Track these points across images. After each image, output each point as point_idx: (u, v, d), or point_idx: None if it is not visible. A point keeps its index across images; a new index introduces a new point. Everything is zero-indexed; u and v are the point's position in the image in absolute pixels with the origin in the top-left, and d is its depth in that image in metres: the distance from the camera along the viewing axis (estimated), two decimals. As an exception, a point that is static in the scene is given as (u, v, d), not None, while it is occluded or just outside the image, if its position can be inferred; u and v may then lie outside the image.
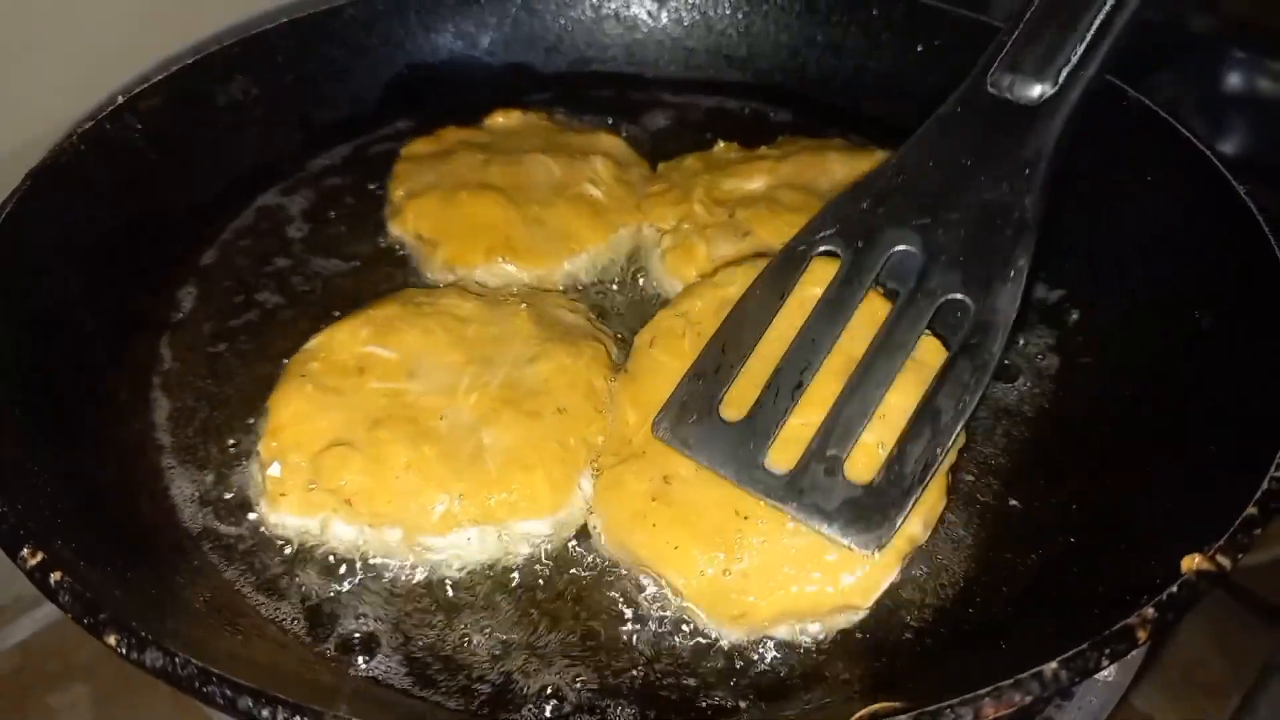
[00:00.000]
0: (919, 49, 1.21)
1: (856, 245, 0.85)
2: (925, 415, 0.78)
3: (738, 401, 0.82)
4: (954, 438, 0.77)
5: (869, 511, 0.75)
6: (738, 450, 0.80)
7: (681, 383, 0.84)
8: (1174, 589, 0.63)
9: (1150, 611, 0.62)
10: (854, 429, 0.78)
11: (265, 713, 0.59)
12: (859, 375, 0.80)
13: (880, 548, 0.75)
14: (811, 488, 0.77)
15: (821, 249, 0.87)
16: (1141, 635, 0.61)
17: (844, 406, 0.79)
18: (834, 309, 0.83)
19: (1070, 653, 0.60)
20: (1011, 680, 0.59)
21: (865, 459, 0.78)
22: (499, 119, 1.21)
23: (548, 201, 1.08)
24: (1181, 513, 0.78)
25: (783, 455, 0.79)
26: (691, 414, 0.82)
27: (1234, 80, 1.45)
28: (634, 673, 0.77)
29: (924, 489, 0.76)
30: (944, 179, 0.87)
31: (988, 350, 0.78)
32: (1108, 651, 0.60)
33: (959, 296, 0.81)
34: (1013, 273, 0.81)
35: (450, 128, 1.19)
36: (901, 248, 0.84)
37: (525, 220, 1.06)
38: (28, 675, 1.50)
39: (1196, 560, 0.65)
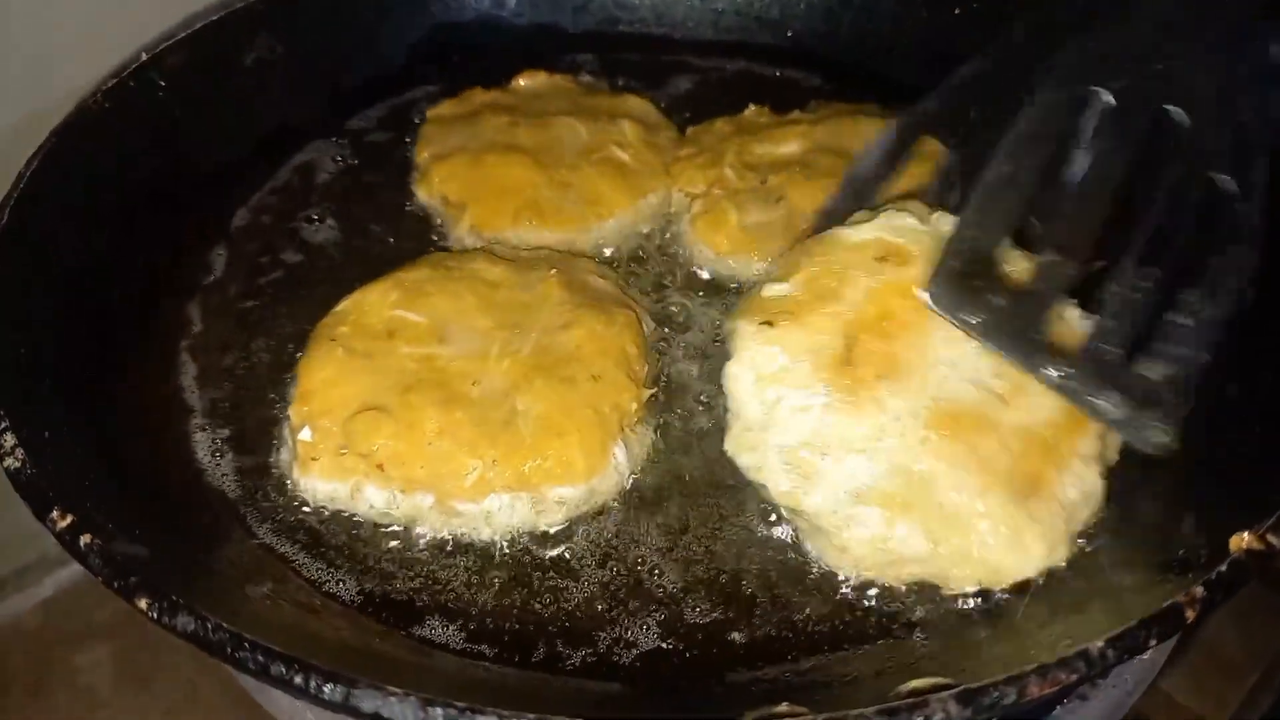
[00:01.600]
0: (955, 11, 1.19)
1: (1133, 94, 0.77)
2: (1203, 309, 0.72)
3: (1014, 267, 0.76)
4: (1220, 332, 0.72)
5: (1157, 407, 0.69)
6: (1024, 328, 0.72)
7: (951, 244, 0.77)
8: (1223, 568, 0.62)
9: (1199, 590, 0.61)
10: (1141, 313, 0.72)
11: (298, 679, 0.58)
12: (1145, 249, 0.74)
13: (1171, 443, 0.70)
14: (1099, 374, 0.70)
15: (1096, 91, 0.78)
16: (1190, 615, 0.60)
17: (1132, 283, 0.73)
18: (1102, 170, 0.76)
19: (1117, 631, 0.59)
20: (1057, 659, 0.58)
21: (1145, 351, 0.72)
22: (525, 81, 1.19)
23: (575, 165, 1.07)
24: (1230, 491, 0.77)
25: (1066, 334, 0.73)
26: (969, 281, 0.74)
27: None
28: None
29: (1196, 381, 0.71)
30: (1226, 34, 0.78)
31: (1247, 231, 0.74)
32: (1156, 630, 0.59)
33: (1220, 176, 0.74)
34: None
35: (476, 89, 1.17)
36: (1168, 107, 0.77)
37: (552, 183, 1.05)
38: (50, 633, 1.51)
39: (1246, 539, 0.64)
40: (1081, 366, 0.71)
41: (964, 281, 0.74)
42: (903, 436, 0.76)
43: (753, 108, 1.15)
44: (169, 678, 1.46)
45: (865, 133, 1.08)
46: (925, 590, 0.78)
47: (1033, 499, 0.74)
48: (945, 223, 0.83)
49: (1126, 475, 0.81)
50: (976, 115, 0.85)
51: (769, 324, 0.82)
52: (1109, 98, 0.78)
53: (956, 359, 0.78)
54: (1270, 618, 1.28)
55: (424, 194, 1.09)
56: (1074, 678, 0.57)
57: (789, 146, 1.08)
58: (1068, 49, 0.82)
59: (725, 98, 1.21)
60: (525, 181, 1.05)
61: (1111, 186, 0.77)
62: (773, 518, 0.84)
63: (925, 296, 0.76)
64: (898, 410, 0.77)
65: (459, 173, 1.07)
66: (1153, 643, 0.59)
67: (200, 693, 1.42)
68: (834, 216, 0.88)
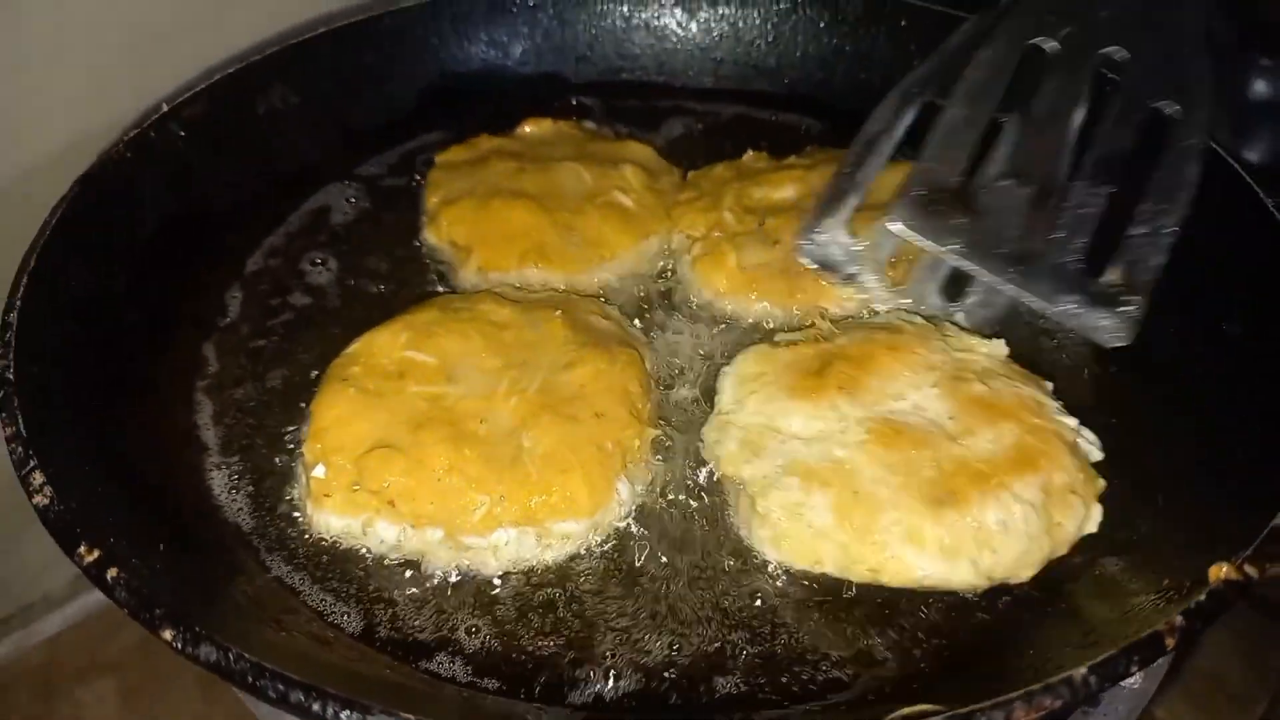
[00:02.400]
0: (947, 61, 1.22)
1: (1077, 41, 0.87)
2: (1154, 220, 0.81)
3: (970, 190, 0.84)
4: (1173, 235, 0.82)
5: (1113, 305, 0.79)
6: (981, 238, 0.80)
7: (912, 174, 0.86)
8: (1201, 598, 0.65)
9: (1179, 619, 0.63)
10: (1094, 225, 0.80)
11: (316, 706, 0.61)
12: (1094, 170, 0.82)
13: (1129, 338, 0.80)
14: (1060, 279, 0.78)
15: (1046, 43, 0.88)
16: (1170, 643, 0.62)
17: (1085, 200, 0.81)
18: (1052, 106, 0.85)
19: (1100, 658, 0.61)
20: (1041, 685, 0.60)
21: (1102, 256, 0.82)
22: (530, 128, 1.22)
23: (579, 209, 1.10)
24: (1209, 521, 0.79)
25: (1023, 245, 0.80)
26: (929, 203, 0.82)
27: (1260, 88, 1.44)
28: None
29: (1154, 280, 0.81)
30: None
31: (1190, 150, 0.84)
32: (1136, 658, 0.62)
33: (1169, 104, 0.85)
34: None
35: (484, 136, 1.20)
36: (1114, 47, 0.87)
37: (556, 226, 1.08)
38: (56, 670, 1.53)
39: (1224, 570, 0.66)
40: (1044, 273, 0.79)
41: (928, 207, 0.83)
42: (844, 435, 0.86)
43: (751, 153, 1.19)
44: (173, 714, 1.47)
45: (860, 179, 1.11)
46: (896, 618, 0.82)
47: (946, 508, 0.81)
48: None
49: (1122, 505, 0.85)
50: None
51: (769, 344, 0.95)
52: (1054, 44, 0.88)
53: (920, 401, 0.88)
54: (1271, 645, 1.29)
55: (433, 237, 1.12)
56: (1058, 703, 0.59)
57: (785, 191, 1.11)
58: (1019, 5, 0.92)
59: (724, 143, 1.25)
60: (530, 225, 1.08)
61: (1062, 119, 0.86)
62: (759, 560, 0.86)
63: (893, 224, 0.84)
64: (848, 416, 0.88)
65: (466, 216, 1.10)
66: (1134, 670, 0.62)
67: (204, 729, 1.43)
68: (847, 170, 0.97)
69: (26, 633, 1.54)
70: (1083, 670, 0.61)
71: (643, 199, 1.13)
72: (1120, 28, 0.88)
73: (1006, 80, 0.88)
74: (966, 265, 0.81)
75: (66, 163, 0.99)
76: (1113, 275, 0.80)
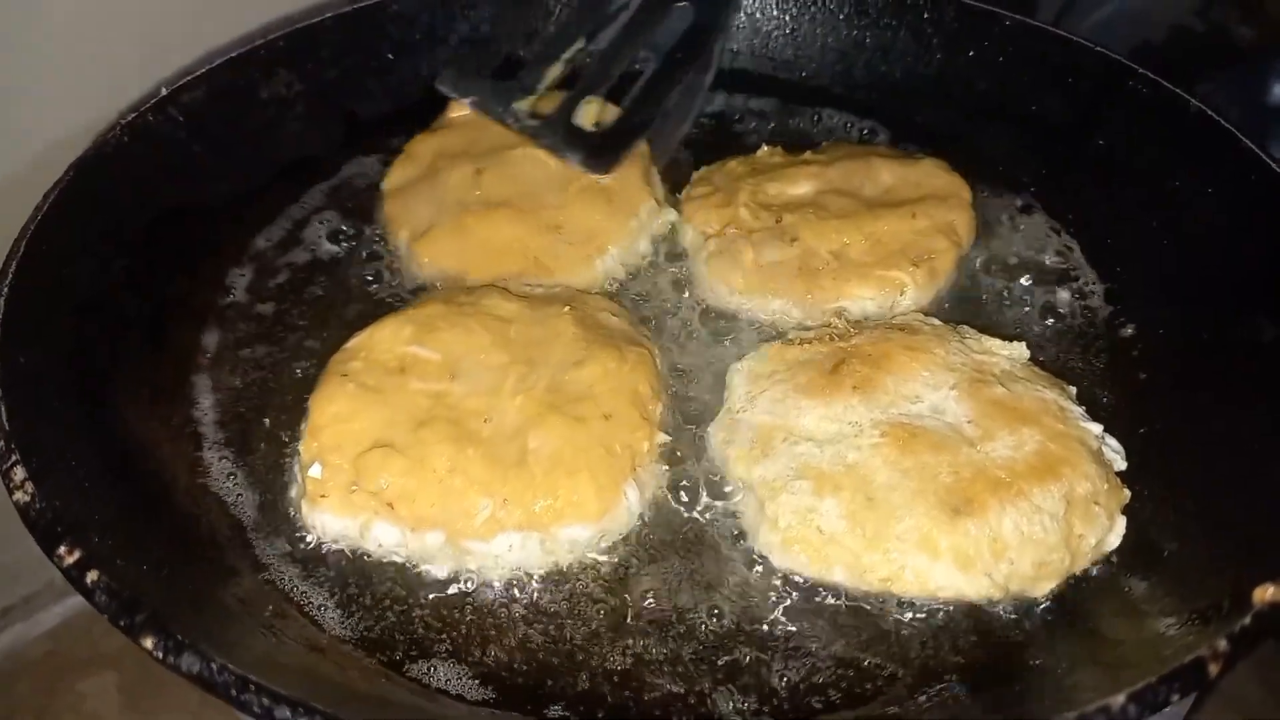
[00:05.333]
0: (969, 54, 1.19)
1: None
2: (649, 88, 1.01)
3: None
4: (664, 104, 1.03)
5: (603, 149, 0.98)
6: (504, 97, 0.98)
7: (467, 52, 1.05)
8: (1246, 621, 0.61)
9: (1223, 644, 0.60)
10: (595, 89, 0.99)
11: (303, 722, 0.58)
12: (604, 54, 1.01)
13: (607, 173, 1.00)
14: (560, 129, 0.96)
15: None
16: (1214, 669, 0.59)
17: (589, 76, 0.99)
18: (592, 7, 1.03)
19: (1139, 685, 0.58)
20: (1077, 714, 0.57)
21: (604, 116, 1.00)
22: (457, 113, 1.15)
23: (558, 203, 1.05)
24: (1243, 538, 0.76)
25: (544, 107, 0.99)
26: (470, 71, 0.99)
27: (1279, 92, 1.42)
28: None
29: (641, 138, 1.02)
30: None
31: (703, 45, 1.04)
32: (1178, 685, 0.58)
33: (686, 4, 1.04)
34: None
35: (418, 138, 1.13)
36: None
37: (543, 229, 1.03)
38: (58, 661, 1.52)
39: (1270, 591, 0.63)
40: (542, 125, 0.97)
41: (472, 69, 0.99)
42: (857, 438, 0.84)
43: (765, 148, 1.15)
44: (175, 707, 1.46)
45: (876, 174, 1.08)
46: (909, 630, 0.79)
47: (962, 517, 0.78)
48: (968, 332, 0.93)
49: (1150, 522, 0.82)
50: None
51: (782, 342, 0.93)
52: None
53: (937, 403, 0.85)
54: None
55: (418, 271, 1.05)
56: (1093, 733, 0.56)
57: (802, 187, 1.08)
58: None
59: (738, 137, 1.22)
60: (515, 236, 1.02)
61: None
62: (767, 566, 0.83)
63: (439, 83, 0.98)
64: (861, 418, 0.85)
65: (446, 246, 1.03)
66: (1175, 698, 0.58)
67: (206, 724, 1.42)
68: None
69: (29, 623, 1.53)
70: (1120, 698, 0.57)
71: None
72: None
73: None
74: (487, 113, 0.98)
75: (66, 150, 0.97)
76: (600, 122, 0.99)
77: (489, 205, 1.04)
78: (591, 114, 1.00)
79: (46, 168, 0.94)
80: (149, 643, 0.61)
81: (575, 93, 0.99)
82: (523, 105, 0.98)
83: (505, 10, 1.08)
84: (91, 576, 0.64)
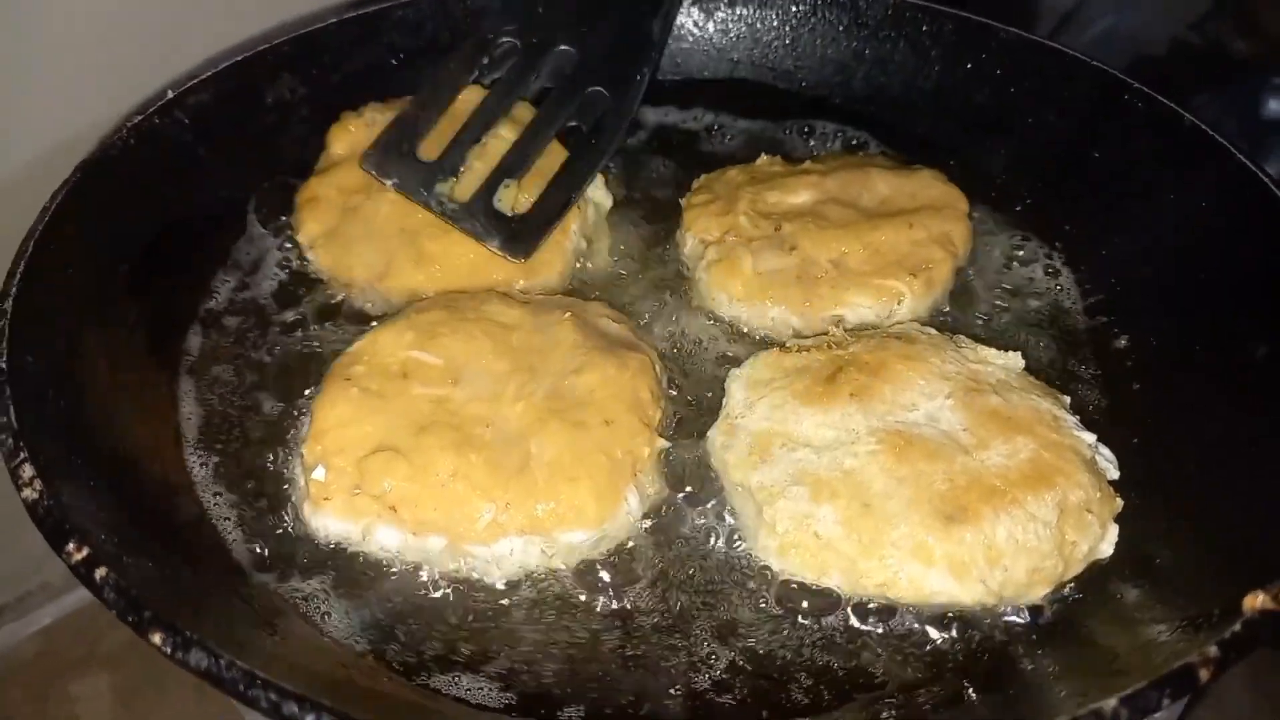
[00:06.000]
0: (967, 66, 1.20)
1: (531, 40, 1.12)
2: (564, 173, 1.06)
3: (431, 149, 1.05)
4: (584, 188, 1.07)
5: (521, 234, 1.02)
6: (427, 181, 1.03)
7: (387, 129, 1.05)
8: (1236, 628, 0.62)
9: (1213, 650, 0.61)
10: (514, 175, 1.05)
11: (310, 718, 0.58)
12: (523, 140, 1.07)
13: (527, 256, 1.02)
14: (480, 214, 1.02)
15: (504, 40, 1.12)
16: (1204, 675, 0.60)
17: (509, 161, 1.05)
18: (509, 87, 1.10)
19: (1130, 690, 0.59)
20: (1068, 718, 0.58)
21: (522, 200, 1.05)
22: (338, 149, 1.11)
23: (438, 236, 1.03)
24: (1233, 548, 0.77)
25: (465, 191, 1.04)
26: (393, 153, 1.04)
27: (1274, 106, 1.44)
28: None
29: (559, 222, 1.04)
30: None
31: (614, 128, 1.09)
32: (1169, 690, 0.59)
33: (600, 90, 1.10)
34: (639, 77, 1.11)
35: (310, 183, 1.09)
36: (564, 47, 1.12)
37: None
38: (50, 661, 1.51)
39: (1260, 599, 0.64)
40: (462, 210, 1.02)
41: (395, 150, 1.04)
42: (854, 445, 0.85)
43: (764, 157, 1.16)
44: (168, 710, 1.45)
45: (874, 184, 1.09)
46: (903, 636, 0.80)
47: (956, 524, 0.79)
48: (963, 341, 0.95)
49: (1142, 531, 0.83)
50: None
51: (780, 349, 0.94)
52: (514, 39, 1.12)
53: (933, 411, 0.86)
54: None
55: (391, 302, 1.03)
56: (1087, 736, 0.57)
57: (801, 196, 1.09)
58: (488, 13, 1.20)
59: (738, 146, 1.23)
60: (478, 257, 1.02)
61: (515, 95, 1.10)
62: (764, 571, 0.84)
63: (361, 163, 1.04)
64: (858, 426, 0.86)
65: (416, 278, 1.02)
66: (1166, 702, 0.59)
67: (199, 727, 1.41)
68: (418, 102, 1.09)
69: (22, 623, 1.52)
70: (1112, 702, 0.58)
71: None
72: (571, 32, 1.12)
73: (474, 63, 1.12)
74: (408, 195, 1.02)
75: (71, 152, 0.97)
76: (520, 208, 1.04)
77: (437, 225, 1.03)
78: (510, 197, 1.05)
79: (50, 169, 0.95)
80: (157, 639, 0.62)
81: (493, 177, 1.04)
82: (444, 188, 1.03)
83: (428, 92, 1.09)
84: (100, 573, 0.65)
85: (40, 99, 1.13)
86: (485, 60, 1.12)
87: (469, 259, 1.03)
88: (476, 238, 1.01)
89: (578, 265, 1.08)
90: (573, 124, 1.10)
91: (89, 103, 1.13)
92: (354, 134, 1.11)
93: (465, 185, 1.05)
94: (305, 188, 1.09)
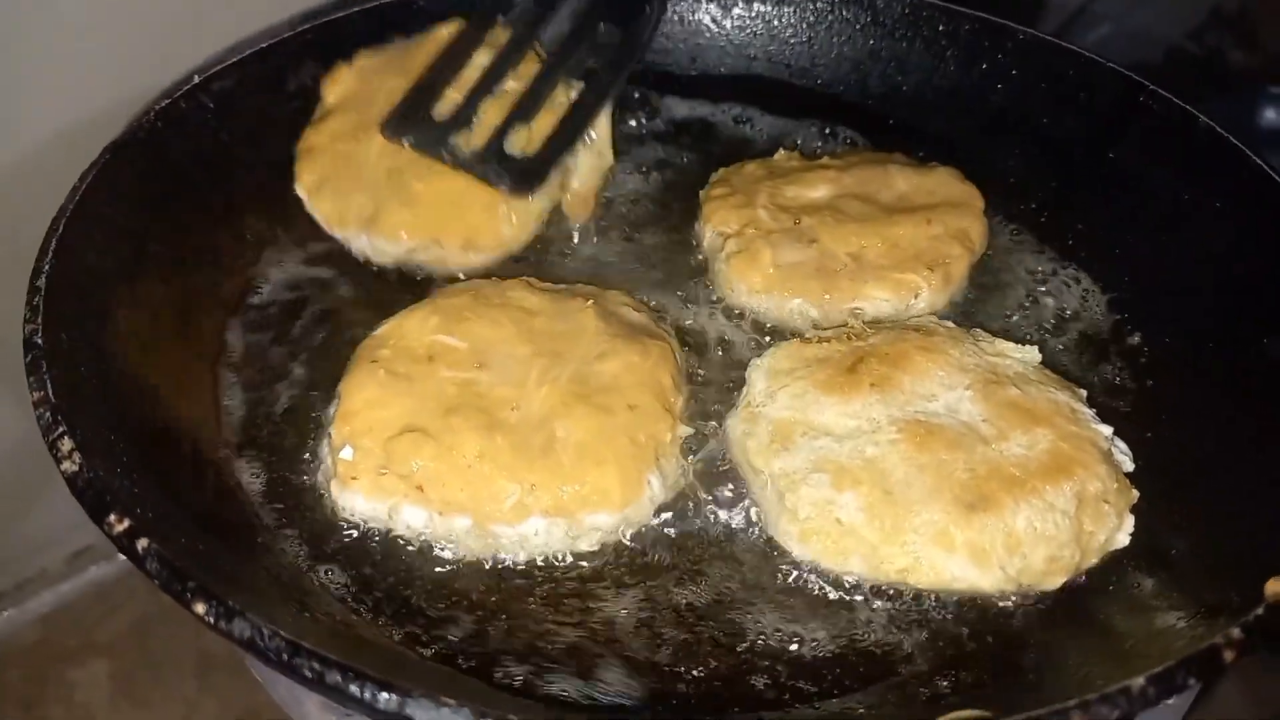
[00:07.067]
0: (983, 66, 1.21)
1: None
2: (570, 112, 1.09)
3: (446, 107, 1.07)
4: (588, 124, 1.10)
5: (527, 173, 1.05)
6: (442, 137, 1.05)
7: (405, 96, 1.07)
8: (1260, 611, 0.64)
9: (1237, 633, 0.63)
10: (525, 119, 1.07)
11: (353, 687, 0.59)
12: (532, 85, 1.09)
13: (532, 194, 1.06)
14: (491, 159, 1.05)
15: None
16: (1228, 656, 0.61)
17: (518, 106, 1.07)
18: (520, 37, 1.12)
19: (1158, 669, 0.60)
20: (1099, 695, 0.59)
21: (534, 142, 1.07)
22: (332, 98, 1.13)
23: (425, 175, 1.06)
24: (1248, 540, 0.79)
25: (478, 139, 1.06)
26: (411, 116, 1.06)
27: (1271, 116, 1.46)
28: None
29: (562, 160, 1.08)
30: None
31: (619, 69, 1.12)
32: (1195, 670, 0.61)
33: (611, 26, 1.14)
34: (649, 10, 1.16)
35: (307, 133, 1.11)
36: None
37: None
38: (48, 649, 1.50)
39: (1281, 586, 0.65)
40: (473, 157, 1.05)
41: (413, 113, 1.06)
42: (875, 434, 0.86)
43: (782, 152, 1.18)
44: (167, 697, 1.44)
45: (893, 181, 1.11)
46: (925, 621, 0.81)
47: (977, 512, 0.80)
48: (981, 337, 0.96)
49: (1157, 523, 0.84)
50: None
51: (801, 340, 0.95)
52: None
53: (952, 402, 0.88)
54: (1275, 679, 1.28)
55: (386, 254, 1.07)
56: (1115, 714, 0.58)
57: (819, 191, 1.10)
58: None
59: (754, 141, 1.24)
60: (468, 187, 1.05)
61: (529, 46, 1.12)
62: (785, 556, 0.86)
63: (382, 130, 1.05)
64: (879, 415, 0.87)
65: (402, 219, 1.04)
66: (1191, 683, 0.60)
67: (199, 713, 1.41)
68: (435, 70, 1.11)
69: (20, 610, 1.52)
70: (1140, 681, 0.60)
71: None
72: None
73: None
74: (428, 154, 1.05)
75: (99, 133, 0.98)
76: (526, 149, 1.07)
77: (424, 164, 1.06)
78: (521, 139, 1.08)
79: (73, 148, 0.95)
80: (201, 608, 0.62)
81: (504, 124, 1.07)
82: (458, 139, 1.06)
83: (443, 59, 1.10)
84: (142, 544, 0.65)
85: (66, 82, 1.13)
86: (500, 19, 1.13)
87: (457, 193, 1.05)
88: (488, 183, 1.04)
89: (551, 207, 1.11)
90: (589, 64, 1.13)
91: (113, 85, 1.13)
92: (345, 83, 1.13)
93: (478, 135, 1.07)
94: (302, 139, 1.11)
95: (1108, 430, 0.87)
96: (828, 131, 1.26)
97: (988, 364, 0.91)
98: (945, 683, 0.76)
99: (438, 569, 0.83)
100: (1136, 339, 1.01)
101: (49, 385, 0.74)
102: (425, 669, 0.74)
